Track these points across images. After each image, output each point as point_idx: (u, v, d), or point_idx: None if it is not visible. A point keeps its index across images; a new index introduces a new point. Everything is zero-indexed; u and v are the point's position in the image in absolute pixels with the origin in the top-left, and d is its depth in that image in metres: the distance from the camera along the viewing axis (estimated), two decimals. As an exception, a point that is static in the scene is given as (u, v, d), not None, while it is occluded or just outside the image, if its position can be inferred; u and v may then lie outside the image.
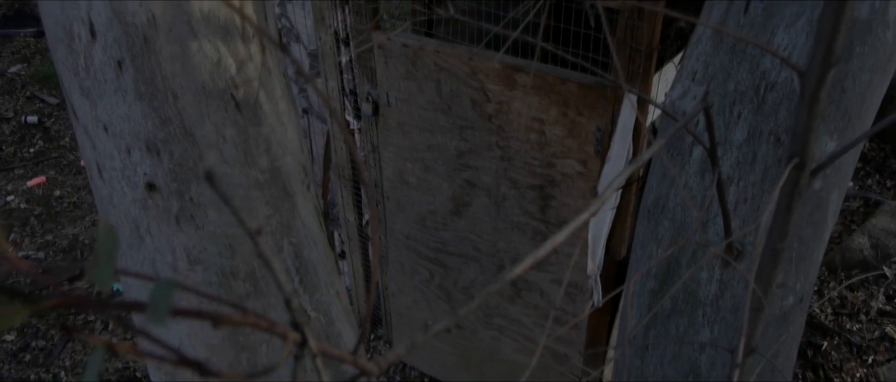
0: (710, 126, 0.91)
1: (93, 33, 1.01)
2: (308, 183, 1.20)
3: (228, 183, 1.08)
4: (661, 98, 2.51)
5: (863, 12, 1.14)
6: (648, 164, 2.59)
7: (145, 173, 1.06)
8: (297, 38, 3.23)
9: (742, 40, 1.18)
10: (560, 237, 0.60)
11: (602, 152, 2.50)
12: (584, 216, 0.67)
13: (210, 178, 0.38)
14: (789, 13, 1.17)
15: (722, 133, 1.24)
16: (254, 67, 1.09)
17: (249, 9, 1.10)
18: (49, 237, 4.58)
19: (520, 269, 0.59)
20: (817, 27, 0.69)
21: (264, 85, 1.11)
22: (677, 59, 2.57)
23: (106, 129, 1.05)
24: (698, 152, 1.29)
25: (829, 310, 3.46)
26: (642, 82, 2.32)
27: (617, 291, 0.94)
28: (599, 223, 2.63)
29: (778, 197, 0.81)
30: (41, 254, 4.45)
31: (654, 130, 2.53)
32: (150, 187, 1.07)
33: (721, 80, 1.25)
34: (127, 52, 1.01)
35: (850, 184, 4.11)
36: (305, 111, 3.38)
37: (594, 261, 2.66)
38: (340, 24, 2.92)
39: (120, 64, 1.02)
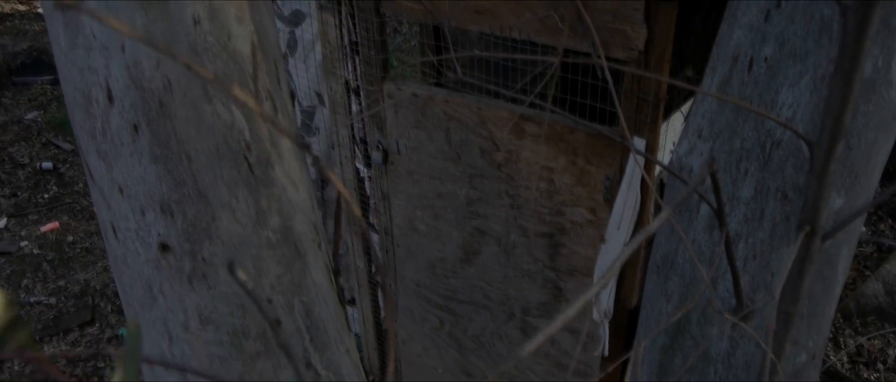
0: (716, 189, 0.92)
1: (110, 98, 1.04)
2: (319, 241, 1.22)
3: (240, 243, 1.10)
4: (669, 146, 2.53)
5: (866, 71, 1.15)
6: (657, 212, 2.59)
7: (159, 234, 1.08)
8: (294, 94, 3.28)
9: (745, 103, 1.20)
10: (571, 312, 0.61)
11: (611, 201, 2.50)
12: (595, 289, 0.68)
13: (232, 270, 0.39)
14: (792, 72, 1.19)
15: (729, 190, 1.25)
16: (266, 129, 1.11)
17: (263, 71, 1.13)
18: (61, 283, 4.61)
19: (542, 337, 0.60)
20: (826, 101, 0.70)
21: (276, 146, 1.13)
22: (685, 107, 2.59)
23: (121, 190, 1.07)
24: (706, 208, 1.30)
25: (845, 359, 3.41)
26: (650, 132, 2.33)
27: (628, 352, 0.94)
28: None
29: (790, 263, 0.82)
30: (53, 300, 4.47)
31: (661, 186, 2.54)
32: (164, 247, 1.08)
33: (727, 137, 1.26)
34: (143, 116, 1.04)
35: (863, 229, 4.08)
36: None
37: (599, 309, 2.64)
38: (351, 74, 2.97)
39: (136, 128, 1.04)
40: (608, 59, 2.32)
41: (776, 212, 1.22)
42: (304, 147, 0.42)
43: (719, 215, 0.94)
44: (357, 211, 0.55)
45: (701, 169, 1.26)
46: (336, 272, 1.19)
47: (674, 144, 2.60)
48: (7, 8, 7.92)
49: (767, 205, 1.23)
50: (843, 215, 1.21)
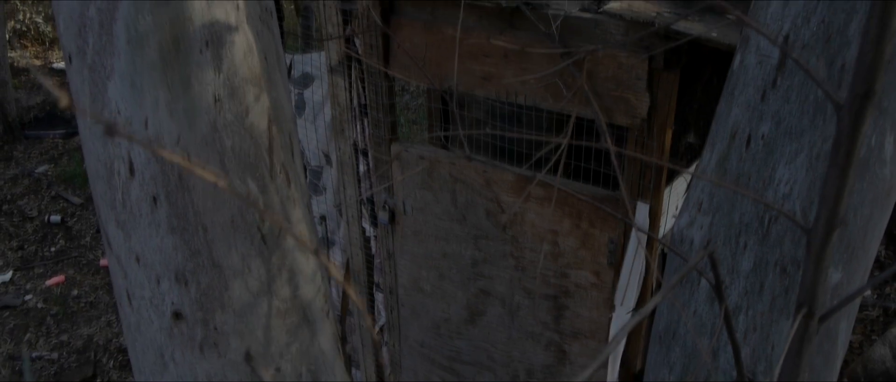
0: (715, 268, 0.94)
1: (131, 171, 1.08)
2: (327, 309, 1.25)
3: (251, 312, 1.12)
4: (672, 210, 2.56)
5: (860, 150, 1.19)
6: (661, 272, 2.61)
7: (173, 303, 1.11)
8: (302, 154, 3.34)
9: (742, 188, 1.24)
10: (584, 376, 0.63)
11: (615, 264, 2.53)
12: (600, 359, 0.70)
13: (249, 360, 0.42)
14: (789, 150, 1.23)
15: (729, 263, 1.28)
16: (279, 201, 1.15)
17: (278, 145, 1.17)
18: (64, 337, 4.60)
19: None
20: (822, 191, 0.74)
21: (289, 216, 1.17)
22: (688, 171, 2.63)
23: (138, 259, 1.11)
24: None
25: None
26: (653, 196, 2.37)
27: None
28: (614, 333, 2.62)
29: (789, 343, 0.84)
30: (55, 355, 4.46)
31: (664, 257, 2.56)
32: (177, 315, 1.11)
33: (726, 211, 1.29)
34: (162, 188, 1.08)
35: (868, 293, 4.08)
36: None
37: (613, 374, 2.64)
38: (359, 135, 3.03)
39: (155, 199, 1.08)
40: (611, 125, 2.37)
41: (775, 285, 1.25)
42: (316, 254, 0.46)
43: (718, 292, 0.97)
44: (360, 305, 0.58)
45: (701, 243, 1.29)
46: (343, 340, 1.22)
47: (677, 207, 2.63)
48: (22, 62, 8.10)
49: (766, 278, 1.25)
50: (841, 289, 1.24)
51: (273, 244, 1.14)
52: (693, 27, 2.08)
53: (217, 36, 1.07)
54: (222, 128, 1.09)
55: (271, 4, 1.21)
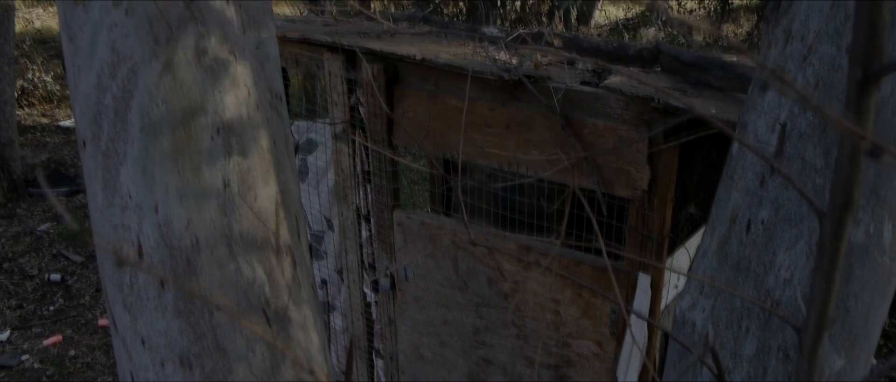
0: (716, 360, 0.95)
1: (140, 254, 1.10)
2: (330, 392, 1.24)
3: (255, 396, 1.12)
4: (673, 282, 2.56)
5: (858, 238, 1.21)
6: (665, 348, 2.59)
7: (177, 387, 1.11)
8: (304, 219, 3.36)
9: (745, 260, 1.25)
10: None
11: (617, 334, 2.52)
12: None
13: None
14: (788, 236, 1.24)
15: (731, 347, 1.28)
16: (285, 284, 1.16)
17: (285, 228, 1.19)
18: (60, 400, 4.54)
19: None
20: (810, 293, 0.75)
21: (293, 299, 1.18)
22: (689, 243, 2.65)
23: (143, 342, 1.12)
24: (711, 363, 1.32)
25: None
26: (655, 268, 2.38)
27: None
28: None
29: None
30: (50, 418, 4.40)
31: (666, 339, 2.56)
32: (181, 399, 1.11)
33: (728, 295, 1.30)
34: (170, 272, 1.09)
35: (874, 361, 4.03)
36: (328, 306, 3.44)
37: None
38: (362, 201, 3.06)
39: (163, 283, 1.10)
40: (612, 197, 2.40)
41: (779, 370, 1.25)
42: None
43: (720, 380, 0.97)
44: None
45: (703, 327, 1.30)
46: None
47: (679, 278, 2.63)
48: (30, 120, 8.19)
49: (769, 363, 1.25)
50: (844, 375, 1.24)
51: (278, 327, 1.15)
52: (692, 103, 2.13)
53: (228, 123, 1.10)
54: (231, 212, 1.10)
55: (281, 89, 1.24)
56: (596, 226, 1.23)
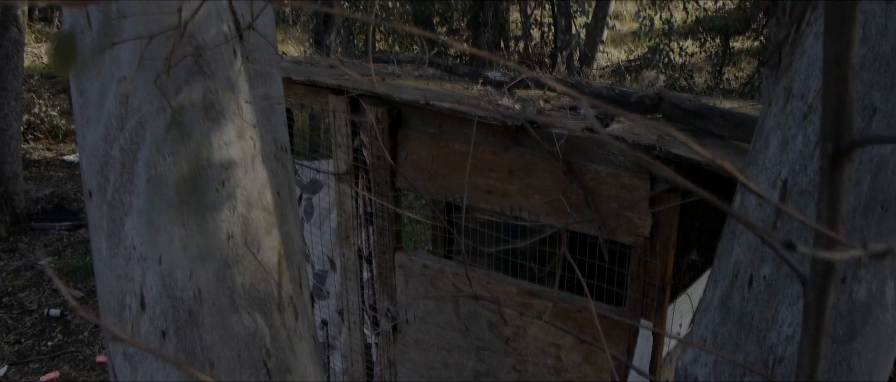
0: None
1: (143, 305, 1.10)
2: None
3: (254, 450, 1.12)
4: (676, 328, 2.55)
5: (861, 296, 1.21)
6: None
7: (175, 439, 1.11)
8: (307, 258, 3.36)
9: (747, 316, 1.25)
10: None
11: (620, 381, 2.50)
12: None
13: None
14: (791, 292, 1.24)
15: (735, 404, 1.27)
16: (286, 335, 1.16)
17: (287, 279, 1.19)
18: (55, 438, 4.49)
19: None
20: (798, 359, 0.75)
21: (295, 350, 1.17)
22: (691, 289, 2.64)
23: (143, 393, 1.11)
24: (713, 419, 1.31)
25: None
26: (657, 315, 2.37)
27: None
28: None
29: None
30: (45, 456, 4.34)
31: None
32: (179, 452, 1.11)
33: (730, 350, 1.30)
34: (172, 323, 1.09)
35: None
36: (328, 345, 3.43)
37: None
38: (364, 242, 3.06)
39: (164, 334, 1.10)
40: (614, 243, 2.40)
41: (782, 428, 1.24)
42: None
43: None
44: None
45: (706, 383, 1.29)
46: None
47: (681, 325, 2.62)
48: (35, 154, 8.24)
49: (773, 421, 1.24)
50: (849, 434, 1.23)
51: (278, 377, 1.14)
52: (694, 152, 2.14)
53: (233, 175, 1.11)
54: (234, 264, 1.11)
55: (286, 141, 1.25)
56: (581, 280, 1.23)
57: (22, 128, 6.95)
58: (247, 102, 1.14)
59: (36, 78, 9.75)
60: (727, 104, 3.21)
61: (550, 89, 2.83)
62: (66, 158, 8.18)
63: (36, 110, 8.60)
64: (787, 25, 1.29)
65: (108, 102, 1.07)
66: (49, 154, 8.28)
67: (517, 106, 2.64)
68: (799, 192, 1.24)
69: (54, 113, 8.61)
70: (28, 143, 8.26)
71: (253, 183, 1.13)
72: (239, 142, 1.12)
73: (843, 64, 0.57)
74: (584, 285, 1.18)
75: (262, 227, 1.14)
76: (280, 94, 1.22)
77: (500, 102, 2.68)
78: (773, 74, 1.35)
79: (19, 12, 6.33)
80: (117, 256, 1.10)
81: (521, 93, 2.97)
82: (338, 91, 2.85)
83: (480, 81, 3.19)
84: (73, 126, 8.80)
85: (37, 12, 11.87)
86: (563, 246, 2.56)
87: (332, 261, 3.30)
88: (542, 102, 2.65)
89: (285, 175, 1.21)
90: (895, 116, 1.20)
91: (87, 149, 1.11)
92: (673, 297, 2.49)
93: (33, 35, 11.67)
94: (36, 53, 11.22)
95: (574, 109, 2.70)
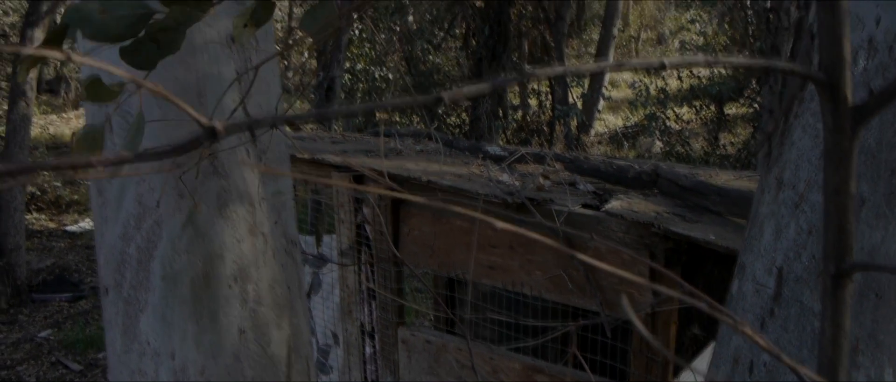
0: None
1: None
2: None
3: None
4: (680, 403, 2.54)
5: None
6: None
7: None
8: (312, 332, 3.36)
9: (750, 403, 1.26)
10: None
11: (625, 459, 2.47)
12: None
13: None
14: (791, 379, 1.26)
15: None
16: (295, 428, 1.17)
17: (296, 371, 1.21)
18: None
19: None
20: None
21: (303, 442, 1.19)
22: (695, 363, 2.64)
23: None
24: None
25: None
26: (661, 391, 2.37)
27: None
28: None
29: None
30: None
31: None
32: None
33: (734, 436, 1.31)
34: (183, 418, 1.11)
35: None
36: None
37: None
38: (367, 317, 3.07)
39: (175, 429, 1.11)
40: (616, 318, 2.41)
41: None
42: None
43: None
44: None
45: None
46: None
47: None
48: (37, 225, 8.28)
49: None
50: None
51: None
52: (692, 229, 2.18)
53: (245, 271, 1.15)
54: (245, 359, 1.13)
55: (295, 235, 1.29)
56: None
57: (25, 199, 7.01)
58: (259, 199, 1.18)
59: (41, 150, 9.87)
60: (723, 175, 3.27)
61: (549, 165, 2.89)
62: (68, 228, 8.21)
63: (39, 181, 8.68)
64: (776, 118, 1.35)
65: (126, 203, 1.12)
66: (51, 225, 8.32)
67: (517, 183, 2.69)
68: (795, 279, 1.27)
69: (58, 183, 8.68)
70: (30, 213, 8.31)
71: (264, 278, 1.17)
72: (251, 238, 1.16)
73: (843, 194, 0.62)
74: (586, 366, 1.20)
75: (272, 321, 1.17)
76: (290, 190, 1.27)
77: (500, 179, 2.74)
78: (765, 164, 1.40)
79: (28, 87, 6.46)
80: (131, 351, 1.13)
81: (521, 168, 3.02)
82: (341, 168, 2.91)
83: (480, 155, 3.25)
84: (76, 197, 8.87)
85: (45, 84, 12.09)
86: (571, 345, 2.58)
87: (335, 336, 3.31)
88: (541, 179, 2.70)
89: (294, 268, 1.24)
90: (882, 206, 1.25)
91: (104, 247, 1.15)
92: (676, 373, 2.49)
93: (40, 106, 11.85)
94: (42, 124, 11.39)
95: (573, 184, 2.76)
